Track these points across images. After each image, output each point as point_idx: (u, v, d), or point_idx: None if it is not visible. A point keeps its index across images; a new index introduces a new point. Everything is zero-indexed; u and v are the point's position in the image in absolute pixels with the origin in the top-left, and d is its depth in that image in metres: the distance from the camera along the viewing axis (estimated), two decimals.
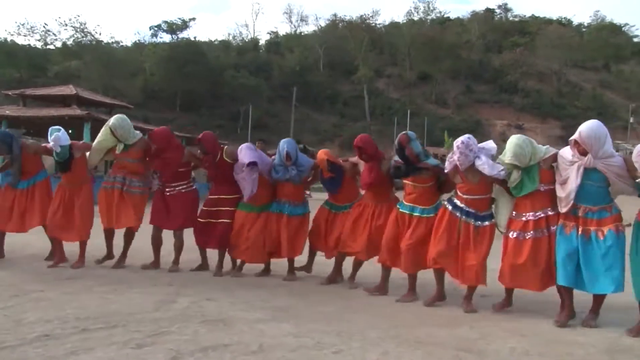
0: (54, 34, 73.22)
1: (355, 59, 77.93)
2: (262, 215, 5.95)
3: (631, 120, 60.11)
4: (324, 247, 5.93)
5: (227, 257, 6.11)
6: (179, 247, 6.22)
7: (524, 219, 4.56)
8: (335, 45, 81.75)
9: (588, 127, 4.28)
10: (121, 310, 4.31)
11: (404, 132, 5.27)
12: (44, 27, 74.66)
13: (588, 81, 74.27)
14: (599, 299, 4.32)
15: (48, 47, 75.01)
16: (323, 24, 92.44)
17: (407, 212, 5.11)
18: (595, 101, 67.69)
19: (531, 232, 4.50)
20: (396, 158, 5.20)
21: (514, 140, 4.57)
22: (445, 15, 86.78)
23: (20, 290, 4.93)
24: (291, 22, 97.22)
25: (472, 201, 4.78)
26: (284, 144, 5.83)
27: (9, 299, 4.61)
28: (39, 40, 74.84)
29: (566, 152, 4.44)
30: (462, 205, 4.80)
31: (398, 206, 5.23)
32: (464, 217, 4.78)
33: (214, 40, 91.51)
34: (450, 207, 4.86)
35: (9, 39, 72.61)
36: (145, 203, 6.35)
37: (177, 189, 6.23)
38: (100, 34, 78.09)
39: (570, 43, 68.83)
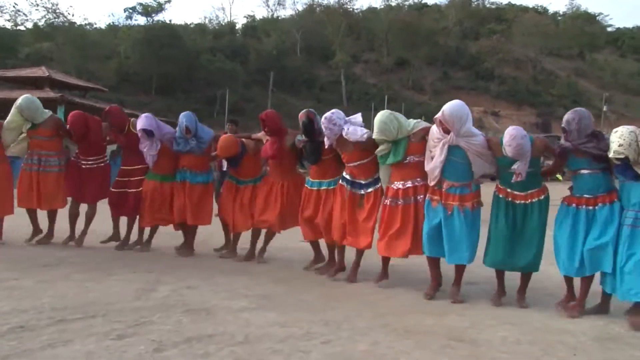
0: (24, 14, 71.77)
1: (333, 44, 77.61)
2: (168, 184, 6.27)
3: (605, 108, 60.99)
4: (231, 220, 6.17)
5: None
6: (90, 216, 6.54)
7: (394, 187, 4.88)
8: (312, 29, 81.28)
9: (451, 106, 4.58)
10: (100, 299, 4.16)
11: (308, 111, 5.64)
12: (13, 7, 72.97)
13: (563, 69, 75.16)
14: (459, 270, 4.66)
15: (18, 27, 73.19)
16: (300, 8, 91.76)
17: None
18: (570, 89, 68.59)
19: (401, 199, 4.82)
20: (299, 137, 5.52)
21: (378, 116, 4.88)
22: (423, 1, 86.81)
23: None
24: (268, 6, 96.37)
25: (354, 168, 5.14)
26: (182, 118, 6.11)
27: None
28: (8, 20, 72.92)
29: (435, 130, 4.69)
30: (347, 175, 5.21)
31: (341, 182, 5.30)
32: (349, 186, 5.16)
33: (190, 24, 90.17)
34: (341, 181, 5.23)
35: None
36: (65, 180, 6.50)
37: (92, 162, 6.49)
38: (73, 16, 76.69)
39: (546, 31, 69.49)
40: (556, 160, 4.66)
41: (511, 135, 4.28)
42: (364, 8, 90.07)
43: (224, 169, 7.08)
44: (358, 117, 5.27)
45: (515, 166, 4.30)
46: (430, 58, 77.67)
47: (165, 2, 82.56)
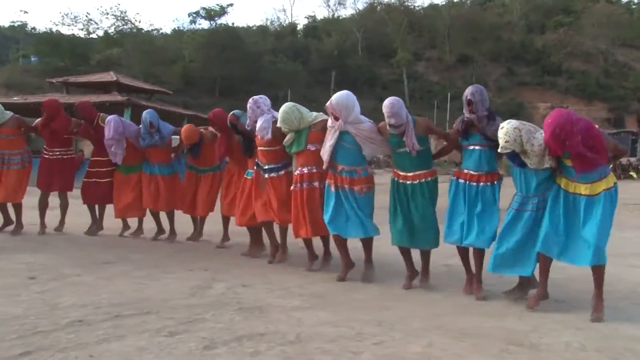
0: (96, 22, 74.49)
1: (394, 42, 77.00)
2: (135, 176, 6.98)
3: None
4: (184, 205, 6.91)
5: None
6: (64, 206, 7.20)
7: (297, 172, 5.33)
8: (373, 28, 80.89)
9: (338, 96, 5.10)
10: (155, 296, 4.21)
11: (232, 114, 6.03)
12: (86, 16, 76.11)
13: (638, 60, 71.69)
14: (366, 244, 5.13)
15: (90, 36, 76.32)
16: (361, 7, 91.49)
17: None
18: None
19: (304, 183, 5.24)
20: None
21: (282, 108, 5.31)
22: None
23: (58, 274, 4.90)
24: (329, 6, 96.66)
25: (265, 153, 5.60)
26: (146, 114, 6.83)
27: (47, 283, 4.58)
28: (81, 29, 76.29)
29: (331, 119, 5.11)
30: (259, 161, 5.70)
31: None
32: (262, 172, 5.67)
33: (252, 26, 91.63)
34: (256, 167, 5.76)
35: (54, 29, 74.14)
36: (27, 176, 7.13)
37: (59, 154, 7.10)
38: (140, 22, 79.18)
39: (618, 21, 66.50)
40: (450, 139, 5.09)
41: (390, 102, 4.82)
42: (425, 5, 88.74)
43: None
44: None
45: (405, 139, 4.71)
46: (493, 54, 75.89)
47: (228, 5, 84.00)
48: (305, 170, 5.28)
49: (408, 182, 4.82)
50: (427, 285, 4.82)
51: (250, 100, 5.74)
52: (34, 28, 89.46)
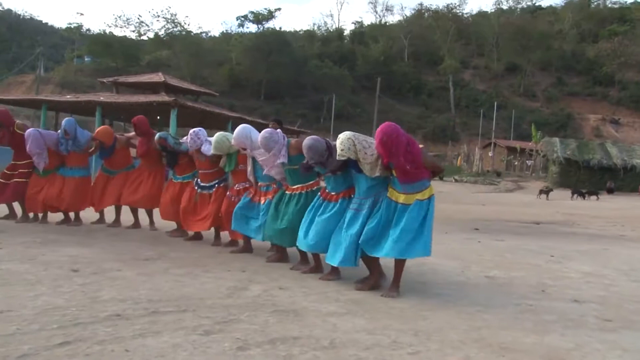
0: (147, 25, 76.43)
1: (441, 50, 76.41)
2: (50, 177, 7.75)
3: None
4: (94, 202, 7.87)
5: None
6: None
7: (235, 187, 6.52)
8: (420, 35, 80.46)
9: (235, 133, 5.98)
10: (193, 294, 4.24)
11: (159, 136, 7.14)
12: (138, 18, 78.00)
13: None
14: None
15: (141, 37, 78.16)
16: (408, 14, 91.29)
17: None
18: None
19: (241, 196, 6.29)
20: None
21: (214, 138, 6.39)
22: (537, 4, 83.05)
23: (99, 268, 4.99)
24: (376, 11, 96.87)
25: (202, 175, 6.89)
26: (63, 123, 7.66)
27: (88, 276, 4.67)
28: (133, 31, 78.32)
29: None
30: (197, 178, 6.97)
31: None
32: (197, 188, 6.90)
33: (299, 31, 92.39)
34: (194, 184, 6.99)
35: (107, 31, 76.26)
36: None
37: None
38: (189, 25, 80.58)
39: None
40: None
41: (262, 135, 5.58)
42: (474, 12, 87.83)
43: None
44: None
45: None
46: (543, 63, 74.49)
47: (276, 10, 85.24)
48: (241, 186, 6.46)
49: (291, 192, 5.65)
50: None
51: (191, 131, 6.81)
52: (88, 29, 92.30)
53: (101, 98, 23.76)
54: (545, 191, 28.08)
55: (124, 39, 74.56)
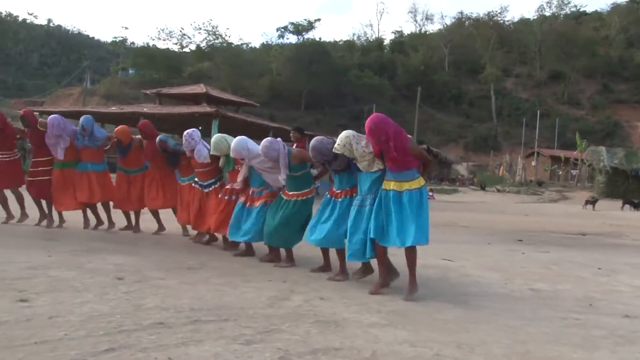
0: (189, 37, 77.78)
1: (482, 58, 75.54)
2: (69, 171, 8.15)
3: None
4: (123, 202, 8.34)
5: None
6: (17, 197, 8.51)
7: (228, 186, 6.87)
8: (461, 43, 79.79)
9: (233, 145, 6.31)
10: (234, 304, 4.26)
11: (159, 139, 7.74)
12: (180, 31, 79.58)
13: None
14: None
15: (183, 49, 79.61)
16: (448, 22, 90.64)
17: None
18: None
19: (234, 196, 6.71)
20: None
21: (213, 139, 6.81)
22: (582, 9, 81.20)
23: (143, 277, 5.07)
24: (416, 21, 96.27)
25: (200, 173, 7.28)
26: (82, 120, 8.15)
27: (132, 284, 4.74)
28: (175, 44, 79.83)
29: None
30: (196, 178, 7.37)
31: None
32: (197, 186, 7.33)
33: (339, 41, 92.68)
34: (192, 183, 7.44)
35: (150, 44, 78.01)
36: None
37: (5, 157, 8.33)
38: (230, 37, 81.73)
39: None
40: (322, 169, 6.10)
41: (263, 144, 5.97)
42: (516, 20, 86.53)
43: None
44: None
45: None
46: (588, 70, 72.85)
47: (315, 20, 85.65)
48: (232, 185, 6.80)
49: (288, 199, 6.02)
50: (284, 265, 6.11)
51: (185, 133, 7.22)
52: (132, 43, 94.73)
53: (145, 109, 24.28)
54: (592, 201, 27.39)
55: (167, 51, 76.12)
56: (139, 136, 8.22)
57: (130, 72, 76.33)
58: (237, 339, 3.38)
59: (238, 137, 6.41)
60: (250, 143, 6.32)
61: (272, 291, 4.77)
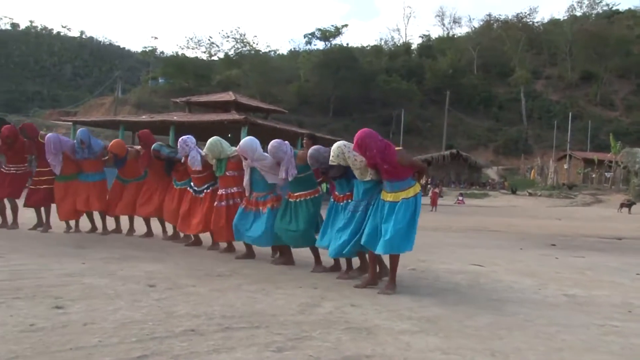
0: (217, 45, 78.65)
1: (511, 60, 74.72)
2: (73, 183, 8.58)
3: None
4: (113, 209, 8.64)
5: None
6: (12, 208, 8.84)
7: (220, 192, 7.12)
8: (489, 46, 79.09)
9: (242, 143, 6.49)
10: (265, 310, 4.27)
11: (153, 148, 7.84)
12: (209, 40, 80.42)
13: None
14: (281, 248, 6.74)
15: (212, 58, 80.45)
16: (476, 25, 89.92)
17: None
18: None
19: (224, 201, 7.02)
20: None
21: (208, 141, 7.01)
22: (614, 8, 79.56)
23: (174, 284, 5.11)
24: (443, 24, 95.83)
25: (195, 179, 7.58)
26: (78, 133, 8.61)
27: (164, 291, 4.78)
28: (204, 52, 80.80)
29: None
30: (192, 183, 7.65)
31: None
32: (192, 191, 7.63)
33: (366, 46, 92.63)
34: (188, 187, 7.72)
35: (179, 53, 79.01)
36: None
37: (13, 169, 8.79)
38: (257, 44, 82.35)
39: None
40: (323, 177, 6.34)
41: (272, 145, 6.22)
42: (545, 20, 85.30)
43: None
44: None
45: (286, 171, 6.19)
46: (621, 70, 71.48)
47: (343, 26, 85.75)
48: (227, 191, 7.04)
49: (292, 200, 6.26)
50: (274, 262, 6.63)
51: (180, 140, 7.50)
52: (162, 52, 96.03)
53: (175, 117, 24.58)
54: (627, 204, 26.81)
55: (196, 60, 77.08)
56: (136, 147, 8.63)
57: (160, 81, 77.41)
58: (268, 346, 3.38)
59: (249, 137, 6.60)
60: (260, 146, 6.52)
61: (303, 298, 4.76)
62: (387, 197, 5.23)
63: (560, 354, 3.53)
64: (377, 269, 5.55)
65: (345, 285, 5.48)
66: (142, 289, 4.84)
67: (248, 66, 67.53)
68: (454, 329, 4.02)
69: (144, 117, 27.79)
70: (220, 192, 7.09)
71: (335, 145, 5.43)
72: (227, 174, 6.99)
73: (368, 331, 3.84)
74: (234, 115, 23.14)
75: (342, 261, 6.07)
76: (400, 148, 5.40)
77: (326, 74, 67.11)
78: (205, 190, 7.47)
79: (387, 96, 67.85)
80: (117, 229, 8.83)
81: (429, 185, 43.31)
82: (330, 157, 5.43)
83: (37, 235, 8.32)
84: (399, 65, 77.38)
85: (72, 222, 8.84)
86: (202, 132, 23.44)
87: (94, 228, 8.82)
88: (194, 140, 7.55)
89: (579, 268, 7.41)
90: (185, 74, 69.87)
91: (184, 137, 7.55)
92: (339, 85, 66.51)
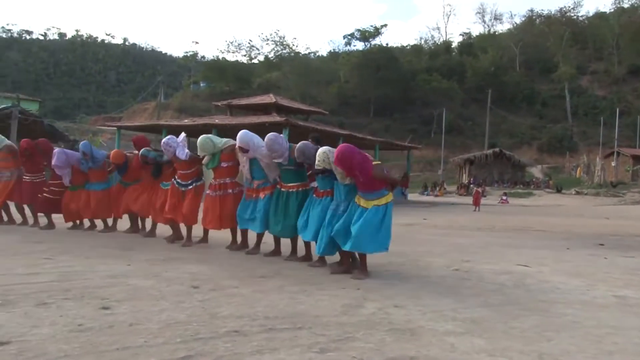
0: (257, 48, 79.41)
1: (555, 56, 73.14)
2: (78, 192, 9.37)
3: None
4: (117, 210, 9.27)
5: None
6: (32, 211, 10.10)
7: (214, 182, 7.53)
8: (532, 42, 77.57)
9: (240, 135, 6.90)
10: (308, 311, 4.26)
11: (140, 154, 8.40)
12: (249, 43, 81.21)
13: None
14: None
15: (252, 61, 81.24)
16: (518, 21, 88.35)
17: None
18: None
19: (219, 191, 7.45)
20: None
21: (199, 140, 7.41)
22: None
23: (217, 285, 5.16)
24: (484, 21, 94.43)
25: (181, 175, 7.96)
26: (81, 146, 9.28)
27: (207, 292, 4.83)
28: (244, 55, 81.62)
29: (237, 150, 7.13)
30: (177, 178, 7.99)
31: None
32: (177, 185, 7.98)
33: (406, 45, 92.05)
34: (173, 181, 8.06)
35: (220, 57, 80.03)
36: (11, 186, 9.87)
37: (29, 178, 9.91)
38: (297, 46, 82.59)
39: None
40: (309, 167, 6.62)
41: (268, 137, 6.63)
42: (590, 14, 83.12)
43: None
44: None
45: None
46: None
47: (382, 26, 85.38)
48: (220, 182, 7.47)
49: (285, 190, 6.81)
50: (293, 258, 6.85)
51: (162, 142, 7.94)
52: (203, 57, 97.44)
53: (216, 121, 24.87)
54: None
55: (236, 63, 77.93)
56: (134, 152, 9.06)
57: (201, 85, 78.54)
58: (311, 347, 3.37)
59: (243, 130, 7.02)
60: (255, 137, 6.98)
61: (345, 299, 4.74)
62: (360, 202, 5.79)
63: (612, 357, 3.42)
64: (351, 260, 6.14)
65: (388, 286, 5.43)
66: (186, 290, 4.90)
67: (288, 68, 67.93)
68: (500, 330, 3.94)
69: (186, 120, 28.20)
70: (214, 182, 7.54)
71: (320, 150, 5.99)
72: (222, 165, 7.45)
73: (412, 332, 3.79)
74: (275, 118, 23.27)
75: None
76: (378, 162, 5.88)
77: (366, 74, 66.94)
78: (189, 187, 7.90)
79: (428, 95, 67.26)
80: (108, 228, 9.51)
81: (471, 185, 42.75)
82: (316, 161, 5.97)
83: (83, 237, 8.58)
84: (439, 64, 76.58)
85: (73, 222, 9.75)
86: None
87: (93, 226, 9.66)
88: (175, 138, 7.95)
89: (630, 268, 7.18)
90: (226, 78, 70.68)
91: (165, 138, 7.99)
92: (379, 85, 66.23)
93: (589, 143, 63.21)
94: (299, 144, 6.48)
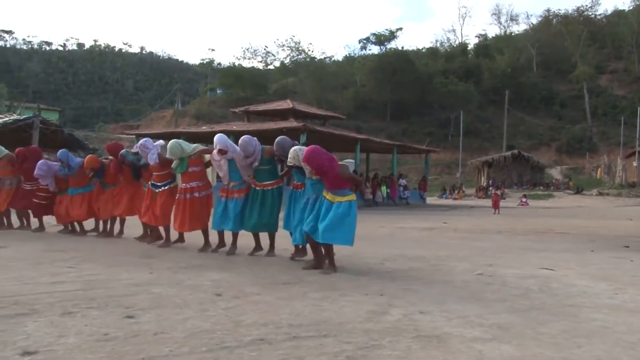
0: (273, 54, 79.67)
1: (573, 56, 72.38)
2: (64, 196, 10.06)
3: None
4: (96, 212, 9.94)
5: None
6: (18, 214, 11.05)
7: (182, 186, 8.00)
8: (549, 42, 76.86)
9: (219, 138, 7.45)
10: (333, 318, 4.23)
11: (120, 154, 9.00)
12: (264, 49, 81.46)
13: None
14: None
15: (268, 67, 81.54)
16: (535, 22, 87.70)
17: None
18: None
19: (187, 194, 7.91)
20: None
21: (169, 144, 7.92)
22: None
23: (240, 292, 5.14)
24: (500, 22, 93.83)
25: (156, 176, 8.46)
26: (58, 154, 9.86)
27: (231, 300, 4.81)
28: (260, 62, 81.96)
29: (214, 154, 7.57)
30: (152, 180, 8.50)
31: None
32: (151, 187, 8.50)
33: (422, 48, 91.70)
34: (149, 183, 8.55)
35: (236, 64, 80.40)
36: (12, 193, 10.82)
37: (27, 186, 10.63)
38: (312, 51, 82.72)
39: None
40: (287, 169, 7.32)
41: (242, 139, 7.34)
42: (609, 12, 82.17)
43: None
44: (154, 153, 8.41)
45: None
46: None
47: (397, 30, 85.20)
48: (188, 185, 7.94)
49: (259, 189, 7.43)
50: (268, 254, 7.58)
51: (139, 144, 8.44)
52: (219, 63, 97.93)
53: (234, 127, 24.96)
54: None
55: (252, 69, 78.27)
56: (110, 158, 9.62)
57: (218, 92, 78.96)
58: (338, 355, 3.34)
59: (219, 134, 7.52)
60: (229, 140, 7.55)
61: (369, 305, 4.70)
62: (327, 196, 6.31)
63: None
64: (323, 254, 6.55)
65: (411, 291, 5.38)
66: (210, 298, 4.89)
67: (304, 74, 68.03)
68: (528, 337, 3.87)
69: (204, 127, 28.36)
70: (182, 186, 8.00)
71: (292, 149, 6.69)
72: (190, 169, 7.93)
73: (439, 339, 3.74)
74: (292, 123, 23.31)
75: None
76: (343, 163, 6.57)
77: (382, 78, 66.85)
78: (163, 187, 8.39)
79: (445, 98, 66.88)
80: (108, 232, 9.95)
81: (490, 188, 42.41)
82: (289, 160, 6.69)
83: (104, 245, 8.63)
84: (455, 67, 76.14)
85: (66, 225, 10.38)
86: (261, 141, 23.74)
87: (83, 231, 10.26)
88: (151, 141, 8.46)
89: None
90: (242, 84, 71.01)
91: (141, 141, 8.52)
92: (395, 89, 66.10)
93: (609, 143, 62.43)
94: (278, 138, 7.21)
